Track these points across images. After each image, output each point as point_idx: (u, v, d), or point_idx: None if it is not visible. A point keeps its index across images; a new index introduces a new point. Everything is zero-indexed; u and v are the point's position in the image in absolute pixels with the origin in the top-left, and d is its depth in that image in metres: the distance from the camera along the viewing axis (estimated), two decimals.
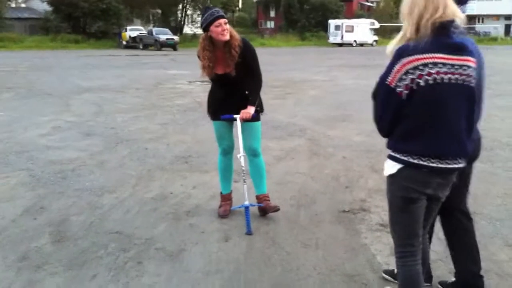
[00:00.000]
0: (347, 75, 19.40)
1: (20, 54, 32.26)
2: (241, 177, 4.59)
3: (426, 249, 3.01)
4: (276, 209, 4.62)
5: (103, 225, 4.50)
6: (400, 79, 2.43)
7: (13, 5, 54.41)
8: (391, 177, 2.61)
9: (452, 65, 2.43)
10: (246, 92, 4.44)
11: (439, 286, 3.44)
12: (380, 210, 4.79)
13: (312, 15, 59.19)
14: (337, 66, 24.00)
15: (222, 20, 4.18)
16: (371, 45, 53.02)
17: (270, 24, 69.87)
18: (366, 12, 66.53)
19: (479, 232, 3.91)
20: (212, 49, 4.30)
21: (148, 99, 12.81)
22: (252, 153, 4.58)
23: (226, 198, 4.80)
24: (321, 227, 4.50)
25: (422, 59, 2.40)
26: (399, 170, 2.55)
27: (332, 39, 53.38)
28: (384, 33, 53.27)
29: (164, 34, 41.53)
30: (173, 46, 40.39)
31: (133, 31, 43.79)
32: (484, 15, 69.76)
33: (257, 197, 4.71)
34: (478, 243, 3.29)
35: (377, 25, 53.55)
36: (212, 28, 4.19)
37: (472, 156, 2.83)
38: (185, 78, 17.98)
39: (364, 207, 4.94)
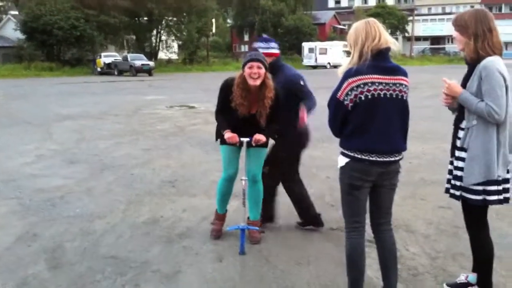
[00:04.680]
0: (324, 96, 19.61)
1: None
2: (240, 199, 4.64)
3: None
4: (258, 240, 4.71)
5: (98, 250, 4.57)
6: (347, 94, 3.14)
7: None
8: (341, 168, 3.28)
9: (387, 83, 3.14)
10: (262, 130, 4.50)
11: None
12: (367, 227, 4.94)
13: (286, 38, 60.03)
14: (314, 88, 24.25)
15: (255, 63, 4.24)
16: None
17: (245, 48, 70.46)
18: (339, 35, 67.74)
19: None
20: (246, 89, 4.34)
21: (129, 125, 12.88)
22: (252, 178, 4.65)
23: (220, 217, 4.88)
24: (312, 245, 4.66)
25: (362, 79, 3.11)
26: (347, 163, 3.22)
27: (306, 62, 54.11)
28: None
29: (139, 60, 41.60)
30: (148, 71, 40.48)
31: (107, 57, 43.73)
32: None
33: (249, 222, 4.79)
34: None
35: None
36: (246, 68, 4.28)
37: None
38: (164, 103, 18.08)
39: None
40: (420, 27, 77.50)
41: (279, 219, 5.31)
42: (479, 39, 3.17)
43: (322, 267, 4.16)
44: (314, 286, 3.84)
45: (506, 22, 56.82)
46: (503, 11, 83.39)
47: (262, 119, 4.45)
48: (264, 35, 4.60)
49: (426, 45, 79.73)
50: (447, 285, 3.71)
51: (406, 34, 72.74)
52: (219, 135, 4.63)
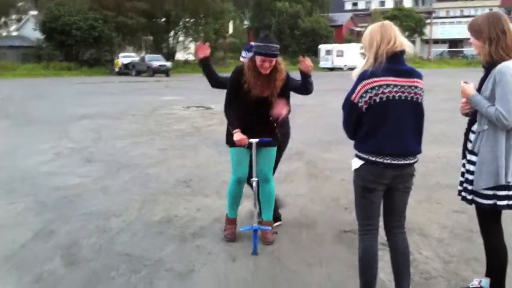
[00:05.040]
0: (339, 98, 19.59)
1: (13, 82, 32.33)
2: (252, 200, 4.68)
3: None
4: (271, 241, 4.71)
5: (113, 247, 4.63)
6: (361, 97, 3.14)
7: (4, 33, 54.67)
8: (356, 171, 3.28)
9: (402, 86, 3.13)
10: (271, 119, 4.54)
11: None
12: (381, 230, 4.94)
13: (303, 41, 59.89)
14: (330, 90, 24.21)
15: (267, 59, 4.31)
16: None
17: None
18: (356, 37, 67.42)
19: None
20: (257, 71, 4.40)
21: (145, 125, 12.99)
22: (263, 178, 4.66)
23: (232, 222, 4.87)
24: (324, 247, 4.66)
25: (377, 81, 3.10)
26: (362, 166, 3.22)
27: (323, 64, 53.87)
28: None
29: (157, 61, 41.88)
30: (165, 72, 40.74)
31: (125, 58, 44.15)
32: None
33: (263, 222, 4.82)
34: None
35: None
36: (258, 58, 4.34)
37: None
38: (180, 104, 18.18)
39: None
40: (438, 30, 76.86)
41: (291, 220, 5.34)
42: (493, 43, 3.17)
43: (334, 269, 4.17)
44: (326, 287, 3.85)
45: None
46: None
47: (274, 97, 4.51)
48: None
49: (444, 48, 79.00)
50: None
51: (424, 37, 72.22)
52: (229, 138, 4.63)
